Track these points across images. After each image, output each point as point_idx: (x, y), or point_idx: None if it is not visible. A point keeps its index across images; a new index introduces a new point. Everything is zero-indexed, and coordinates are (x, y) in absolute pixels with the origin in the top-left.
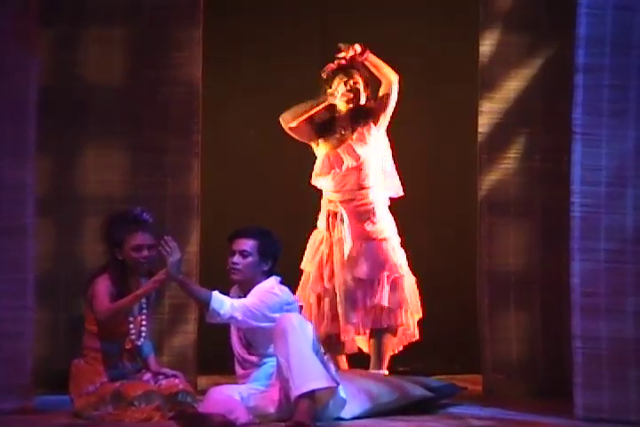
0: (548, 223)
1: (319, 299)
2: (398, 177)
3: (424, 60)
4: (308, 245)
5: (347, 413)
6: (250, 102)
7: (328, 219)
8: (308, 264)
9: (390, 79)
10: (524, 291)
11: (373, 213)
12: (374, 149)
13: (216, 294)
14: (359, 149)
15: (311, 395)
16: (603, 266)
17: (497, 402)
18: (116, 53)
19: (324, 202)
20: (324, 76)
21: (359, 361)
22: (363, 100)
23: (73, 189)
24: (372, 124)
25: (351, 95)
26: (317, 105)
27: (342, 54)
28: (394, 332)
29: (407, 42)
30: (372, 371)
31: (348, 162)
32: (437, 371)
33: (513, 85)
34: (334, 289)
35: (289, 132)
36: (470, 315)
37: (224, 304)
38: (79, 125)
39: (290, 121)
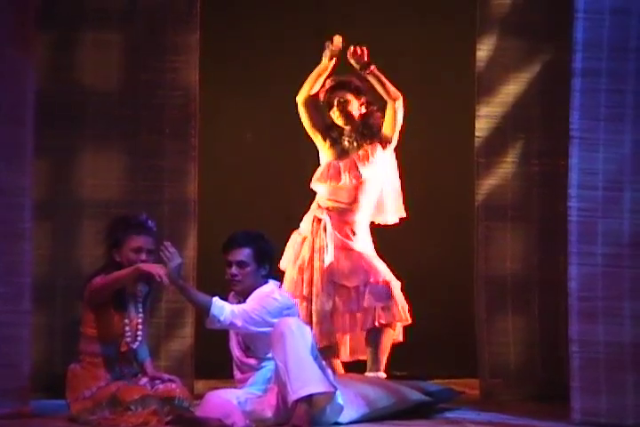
0: (545, 227)
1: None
2: (402, 197)
3: (421, 63)
4: (287, 246)
5: (344, 417)
6: (247, 106)
7: (313, 223)
8: (289, 267)
9: (393, 98)
10: (522, 295)
11: (353, 232)
12: (377, 170)
13: (216, 300)
14: (362, 168)
15: (309, 399)
16: (600, 270)
17: (494, 406)
18: (113, 57)
19: (314, 206)
20: (322, 98)
21: (356, 364)
22: (356, 113)
23: (70, 193)
24: (378, 145)
25: (344, 116)
26: (322, 70)
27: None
28: (393, 328)
29: (404, 45)
30: (369, 374)
31: (347, 179)
32: (434, 375)
33: (510, 90)
34: (311, 295)
35: (303, 111)
36: (467, 319)
37: (224, 310)
38: (76, 129)
39: (305, 91)
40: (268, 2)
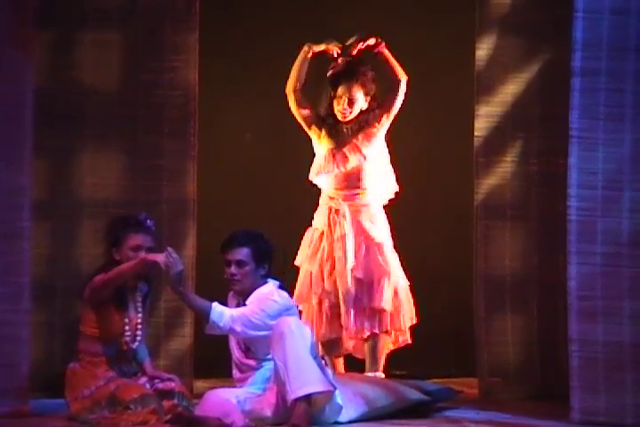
0: (544, 227)
1: (320, 300)
2: (394, 175)
3: (421, 63)
4: (303, 243)
5: (343, 417)
6: (246, 106)
7: (329, 215)
8: (306, 263)
9: (399, 77)
10: (521, 294)
11: (371, 214)
12: (377, 150)
13: (215, 306)
14: (365, 149)
15: (308, 399)
16: (599, 269)
17: (493, 405)
18: (113, 57)
19: (323, 199)
20: (331, 76)
21: (355, 364)
22: (356, 112)
23: (69, 193)
24: (376, 124)
25: (347, 111)
26: (303, 58)
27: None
28: (389, 334)
29: (404, 45)
30: (368, 374)
31: (354, 161)
32: (433, 374)
33: (509, 89)
34: (334, 288)
35: (292, 101)
36: (466, 318)
37: (224, 316)
38: (75, 129)
39: (292, 81)
40: (267, 1)
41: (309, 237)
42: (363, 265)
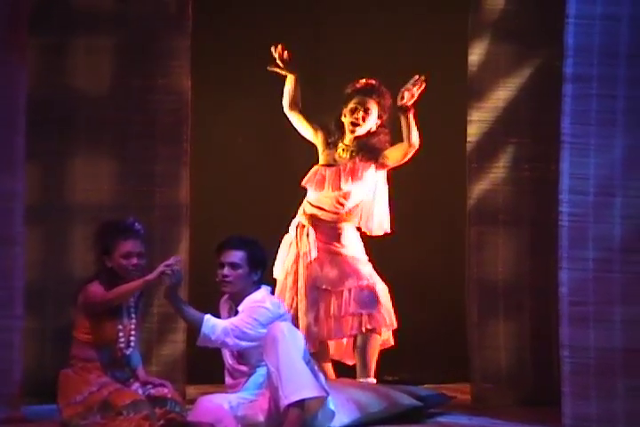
0: (536, 232)
1: None
2: (389, 216)
3: (413, 68)
4: (280, 250)
5: (336, 422)
6: (238, 111)
7: (297, 229)
8: (277, 270)
9: (413, 144)
10: (513, 300)
11: (339, 238)
12: (363, 187)
13: (207, 320)
14: (344, 183)
15: (301, 404)
16: (591, 275)
17: (485, 411)
18: (105, 62)
19: (300, 210)
20: (349, 91)
21: (347, 369)
22: (364, 131)
23: (61, 198)
24: (372, 166)
25: (360, 120)
26: (292, 84)
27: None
28: (378, 333)
29: (396, 50)
30: (359, 380)
31: (328, 191)
32: (426, 380)
33: (502, 95)
34: (293, 300)
35: (295, 116)
36: (459, 324)
37: (216, 329)
38: (68, 134)
39: (287, 102)
40: (260, 6)
41: (283, 243)
42: (330, 278)
